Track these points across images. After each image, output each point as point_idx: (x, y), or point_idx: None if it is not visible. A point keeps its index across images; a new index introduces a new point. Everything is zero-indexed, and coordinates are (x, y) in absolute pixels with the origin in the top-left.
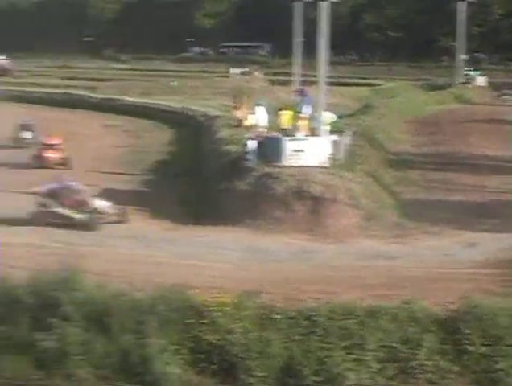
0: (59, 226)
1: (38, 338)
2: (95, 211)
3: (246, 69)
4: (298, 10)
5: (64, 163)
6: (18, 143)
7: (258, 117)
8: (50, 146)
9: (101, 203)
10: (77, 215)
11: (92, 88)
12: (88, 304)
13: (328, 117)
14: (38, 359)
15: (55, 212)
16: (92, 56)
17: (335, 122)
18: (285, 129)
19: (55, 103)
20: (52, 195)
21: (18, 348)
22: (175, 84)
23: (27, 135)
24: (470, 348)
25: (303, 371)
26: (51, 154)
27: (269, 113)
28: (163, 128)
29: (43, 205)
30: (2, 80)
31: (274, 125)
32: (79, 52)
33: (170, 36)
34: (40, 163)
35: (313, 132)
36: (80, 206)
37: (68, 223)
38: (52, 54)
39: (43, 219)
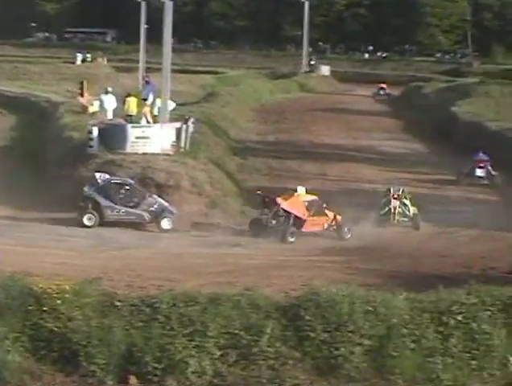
0: None
1: None
2: None
3: (88, 55)
4: None
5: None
6: None
7: (105, 104)
8: None
9: None
10: None
11: None
12: None
13: (168, 104)
14: None
15: None
16: None
17: (173, 109)
18: (131, 116)
19: None
20: None
21: None
22: None
23: None
24: (311, 335)
25: (144, 358)
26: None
27: (116, 100)
28: (4, 113)
29: None
30: None
31: (120, 111)
32: None
33: (13, 21)
34: None
35: (156, 119)
36: None
37: None
38: None
39: None
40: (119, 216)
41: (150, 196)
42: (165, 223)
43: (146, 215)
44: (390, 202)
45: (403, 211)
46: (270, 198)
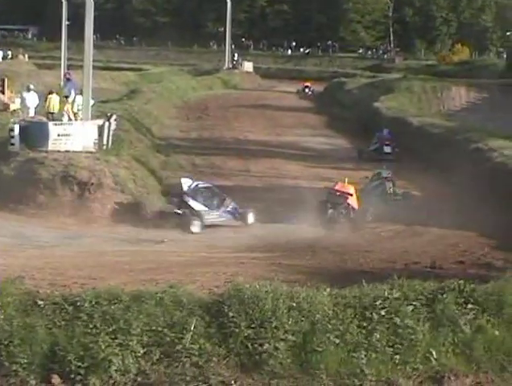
0: None
1: None
2: None
3: (9, 52)
4: None
5: None
6: None
7: (26, 102)
8: None
9: None
10: None
11: None
12: None
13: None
14: None
15: None
16: None
17: (92, 106)
18: (52, 114)
19: None
20: None
21: None
22: None
23: None
24: (235, 331)
25: (67, 357)
26: None
27: (37, 98)
28: None
29: None
30: None
31: (42, 109)
32: None
33: None
34: None
35: (76, 116)
36: None
37: None
38: None
39: None
40: (214, 220)
41: (226, 197)
42: (251, 218)
43: (230, 217)
44: (382, 184)
45: (395, 191)
46: (343, 192)
